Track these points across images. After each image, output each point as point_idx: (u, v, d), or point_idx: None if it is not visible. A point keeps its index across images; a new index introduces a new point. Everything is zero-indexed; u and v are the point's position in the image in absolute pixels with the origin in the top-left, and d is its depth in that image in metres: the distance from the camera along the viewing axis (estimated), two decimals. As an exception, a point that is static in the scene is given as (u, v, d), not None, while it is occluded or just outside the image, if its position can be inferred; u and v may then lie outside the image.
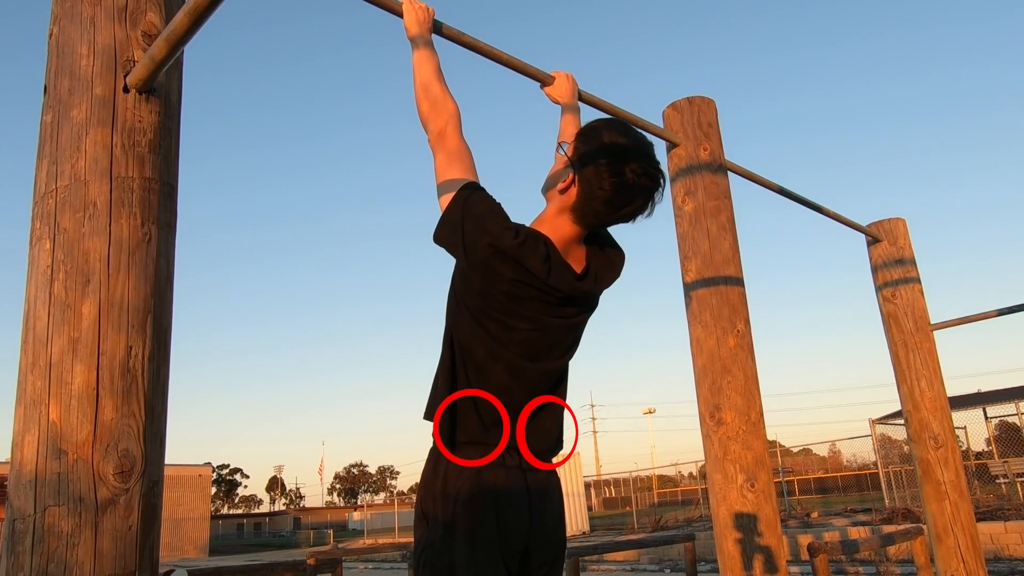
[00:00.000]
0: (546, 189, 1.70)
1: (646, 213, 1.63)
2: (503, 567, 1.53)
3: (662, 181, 1.59)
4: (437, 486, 1.58)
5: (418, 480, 1.68)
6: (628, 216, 1.63)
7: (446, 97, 1.69)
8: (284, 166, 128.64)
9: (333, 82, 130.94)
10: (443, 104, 1.68)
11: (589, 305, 1.70)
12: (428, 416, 1.63)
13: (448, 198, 1.57)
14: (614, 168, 1.54)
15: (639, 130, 1.63)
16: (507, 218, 1.55)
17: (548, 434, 1.67)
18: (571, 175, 1.58)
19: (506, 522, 1.55)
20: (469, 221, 1.53)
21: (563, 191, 1.60)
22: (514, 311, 1.57)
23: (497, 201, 1.57)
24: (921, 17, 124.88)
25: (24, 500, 1.27)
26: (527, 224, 1.63)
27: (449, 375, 1.60)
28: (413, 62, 1.76)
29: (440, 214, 1.59)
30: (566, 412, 1.73)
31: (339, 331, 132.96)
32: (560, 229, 1.61)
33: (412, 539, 1.72)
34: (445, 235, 1.56)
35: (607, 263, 1.70)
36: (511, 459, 1.58)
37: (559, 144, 1.69)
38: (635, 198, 1.58)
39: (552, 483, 1.68)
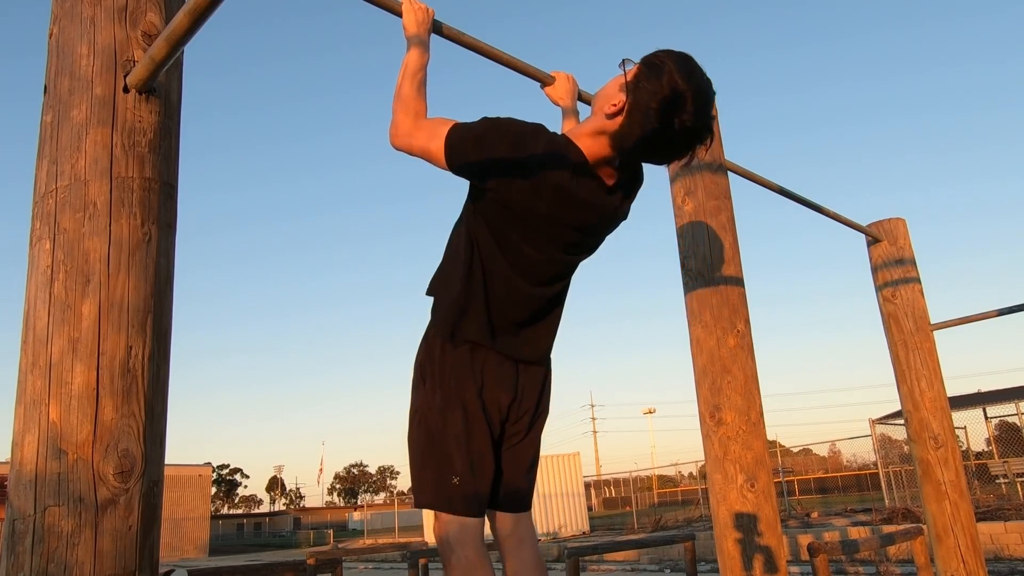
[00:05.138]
0: (595, 100, 1.67)
1: (684, 162, 1.63)
2: (487, 427, 1.70)
3: (708, 138, 1.56)
4: (436, 347, 1.73)
5: None
6: (663, 161, 1.64)
7: (417, 99, 1.70)
8: (284, 165, 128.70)
9: (332, 81, 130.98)
10: (412, 104, 1.69)
11: (610, 222, 1.76)
12: (430, 294, 1.79)
13: (463, 133, 1.59)
14: (664, 115, 1.50)
15: (705, 75, 1.55)
16: (536, 134, 1.60)
17: (541, 344, 1.81)
18: (622, 102, 1.55)
19: (491, 390, 1.71)
20: (501, 144, 1.57)
21: (610, 115, 1.58)
22: (537, 230, 1.65)
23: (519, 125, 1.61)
24: (921, 14, 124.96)
25: (24, 500, 1.27)
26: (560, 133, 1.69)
27: (464, 286, 1.70)
28: (404, 59, 1.77)
29: (461, 156, 1.61)
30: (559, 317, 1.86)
31: (339, 330, 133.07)
32: (593, 148, 1.62)
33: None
34: (472, 156, 1.60)
35: (632, 182, 1.75)
36: (505, 356, 1.75)
37: (624, 60, 1.61)
38: (675, 148, 1.57)
39: (541, 369, 1.84)
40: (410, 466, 1.74)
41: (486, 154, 1.58)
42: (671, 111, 1.49)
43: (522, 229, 1.66)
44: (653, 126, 1.51)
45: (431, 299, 1.82)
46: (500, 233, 1.67)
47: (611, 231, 1.81)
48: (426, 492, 1.69)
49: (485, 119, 1.62)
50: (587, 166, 1.62)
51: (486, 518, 1.74)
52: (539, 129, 1.62)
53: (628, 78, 1.56)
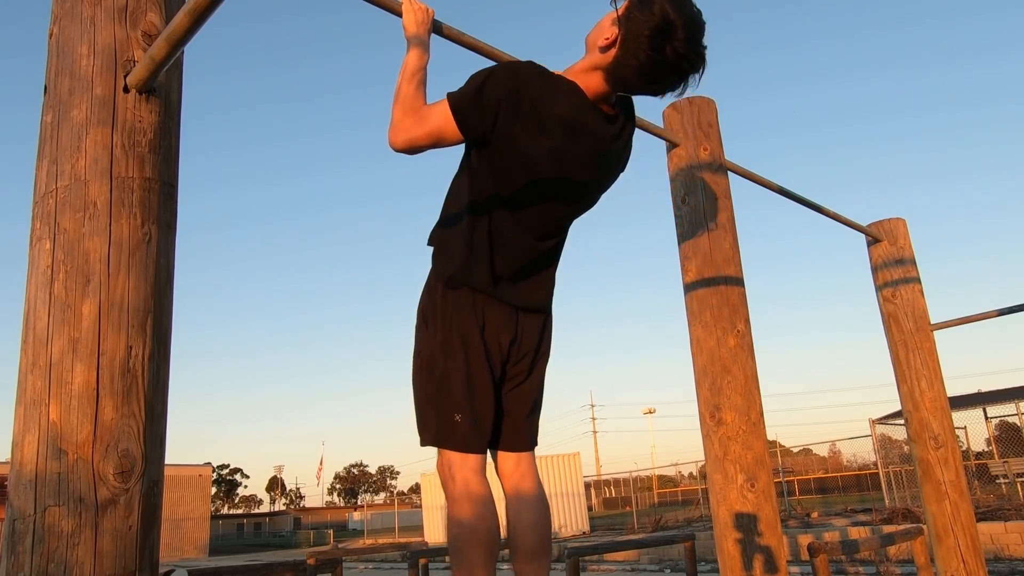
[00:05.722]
0: (588, 40, 1.72)
1: (677, 92, 1.67)
2: (488, 366, 1.73)
3: (701, 66, 1.61)
4: (438, 292, 1.76)
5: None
6: (658, 91, 1.68)
7: (416, 97, 1.72)
8: (284, 165, 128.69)
9: (332, 81, 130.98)
10: (411, 102, 1.71)
11: (615, 163, 1.80)
12: (432, 244, 1.83)
13: (462, 95, 1.64)
14: (655, 43, 1.55)
15: (695, 6, 1.61)
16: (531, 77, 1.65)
17: (540, 293, 1.85)
18: (615, 34, 1.60)
19: (492, 330, 1.74)
20: (502, 87, 1.61)
21: (603, 49, 1.63)
22: (542, 173, 1.67)
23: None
24: (921, 13, 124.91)
25: (24, 500, 1.27)
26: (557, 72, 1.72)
27: (467, 234, 1.73)
28: (403, 60, 1.78)
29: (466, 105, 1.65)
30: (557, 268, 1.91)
31: (339, 330, 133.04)
32: (588, 83, 1.67)
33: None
34: (479, 111, 1.63)
35: (627, 120, 1.80)
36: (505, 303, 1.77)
37: None
38: (668, 76, 1.61)
39: (540, 316, 1.86)
40: (414, 407, 1.77)
41: (491, 102, 1.61)
42: (663, 39, 1.54)
43: (527, 175, 1.68)
44: (647, 54, 1.56)
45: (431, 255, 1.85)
46: (504, 181, 1.70)
47: (612, 178, 1.85)
48: (429, 430, 1.73)
49: (475, 75, 1.67)
50: (585, 97, 1.66)
51: (488, 456, 1.78)
52: (531, 64, 1.67)
53: (620, 11, 1.61)
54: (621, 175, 1.90)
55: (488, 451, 1.77)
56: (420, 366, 1.77)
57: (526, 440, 1.84)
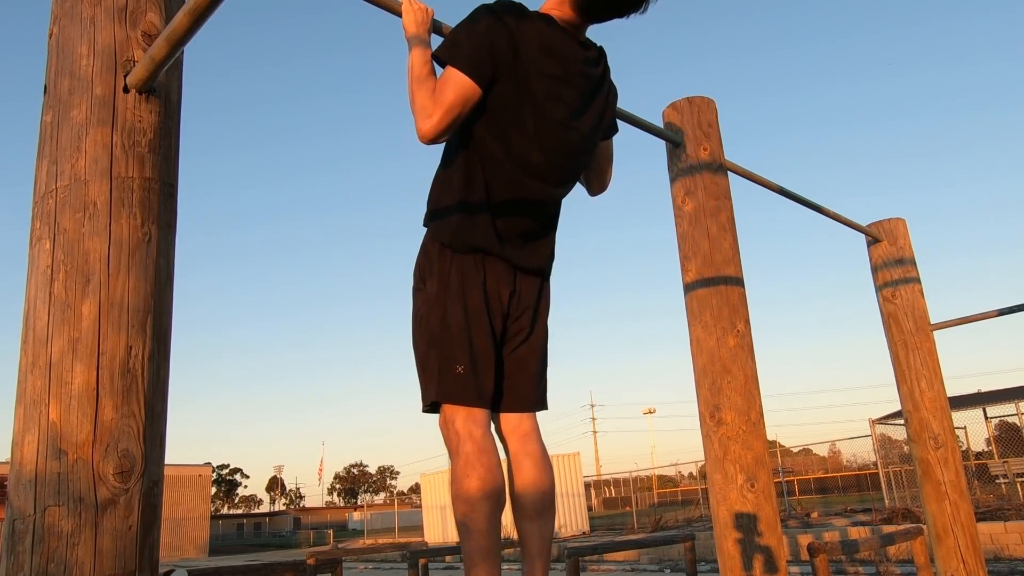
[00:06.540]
0: None
1: (641, 10, 1.80)
2: (488, 321, 1.73)
3: None
4: (435, 250, 1.78)
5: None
6: (624, 10, 1.79)
7: (425, 92, 1.75)
8: (285, 165, 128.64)
9: (331, 81, 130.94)
10: (426, 99, 1.74)
11: (601, 101, 1.87)
12: (426, 224, 1.84)
13: (455, 47, 1.72)
14: None
15: None
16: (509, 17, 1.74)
17: (540, 254, 1.86)
18: None
19: (492, 284, 1.75)
20: (485, 22, 1.71)
21: None
22: (533, 103, 1.72)
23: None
24: (921, 14, 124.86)
25: (24, 500, 1.27)
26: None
27: (464, 193, 1.75)
28: (407, 62, 1.79)
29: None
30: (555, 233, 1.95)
31: (339, 330, 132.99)
32: (559, 15, 1.80)
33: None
34: (479, 47, 1.70)
35: (600, 54, 1.90)
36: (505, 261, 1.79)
37: None
38: None
39: (538, 279, 1.88)
40: (416, 367, 1.77)
41: (484, 45, 1.69)
42: None
43: (522, 112, 1.73)
44: None
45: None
46: (499, 129, 1.74)
47: (601, 112, 1.89)
48: (431, 386, 1.72)
49: (454, 29, 1.76)
50: (556, 22, 1.78)
51: (490, 416, 1.77)
52: (500, 2, 1.76)
53: None
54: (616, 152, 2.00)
55: (491, 413, 1.77)
56: (419, 323, 1.77)
57: (530, 401, 1.84)
